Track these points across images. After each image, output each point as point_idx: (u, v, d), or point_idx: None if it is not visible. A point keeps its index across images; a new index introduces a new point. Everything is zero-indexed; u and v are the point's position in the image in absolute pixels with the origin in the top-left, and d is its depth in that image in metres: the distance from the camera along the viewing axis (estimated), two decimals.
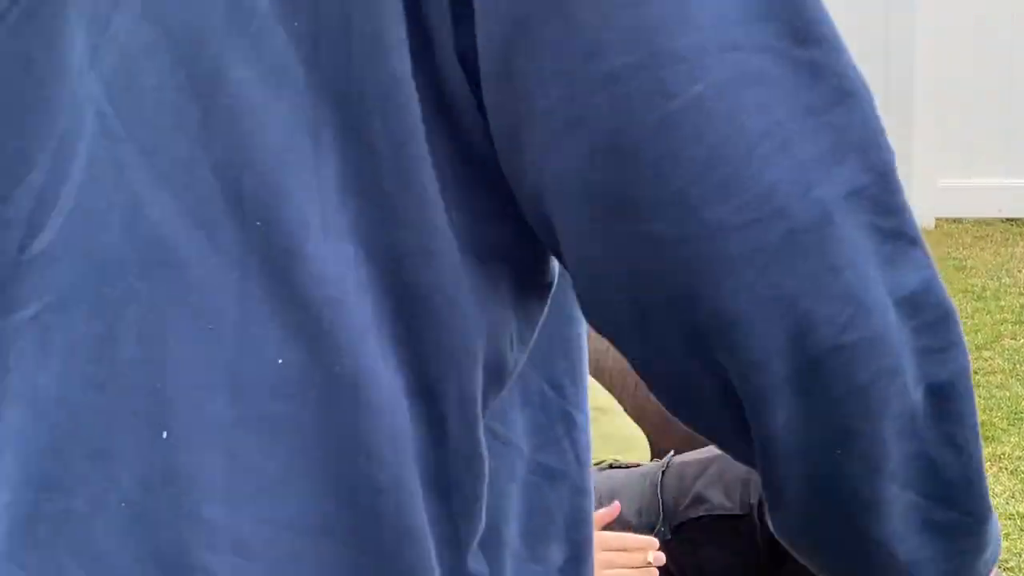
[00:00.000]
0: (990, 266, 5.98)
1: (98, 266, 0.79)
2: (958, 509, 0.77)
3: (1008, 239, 6.45)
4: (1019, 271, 5.64)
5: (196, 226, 0.77)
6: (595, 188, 0.72)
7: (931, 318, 0.70)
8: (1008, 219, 6.77)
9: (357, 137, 0.76)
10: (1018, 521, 3.31)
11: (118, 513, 0.76)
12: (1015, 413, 4.03)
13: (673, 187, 0.69)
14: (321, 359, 0.76)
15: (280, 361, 0.75)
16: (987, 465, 3.15)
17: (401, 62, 0.72)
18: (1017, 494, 3.44)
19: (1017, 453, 3.71)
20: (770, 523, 0.81)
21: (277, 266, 0.76)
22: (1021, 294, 5.23)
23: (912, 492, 0.76)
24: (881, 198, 0.70)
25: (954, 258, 5.97)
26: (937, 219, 6.91)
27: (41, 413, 0.80)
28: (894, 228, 0.70)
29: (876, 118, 0.71)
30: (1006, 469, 3.60)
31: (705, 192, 0.68)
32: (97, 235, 0.78)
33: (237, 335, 0.77)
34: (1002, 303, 4.94)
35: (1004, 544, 3.02)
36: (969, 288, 5.50)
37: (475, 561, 0.79)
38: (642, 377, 0.80)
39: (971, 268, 5.92)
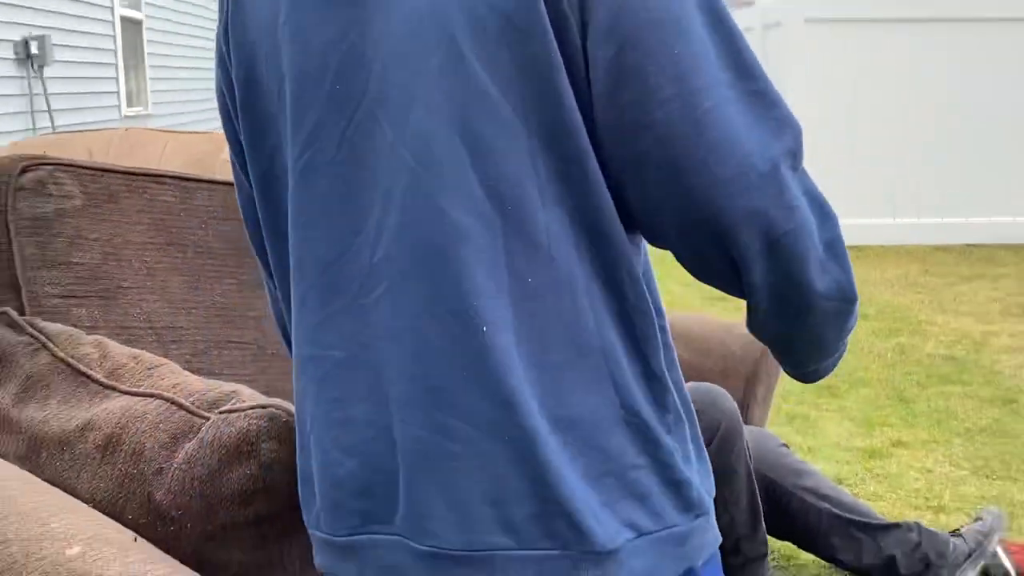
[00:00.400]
0: (910, 296, 6.04)
1: (417, 254, 1.10)
2: (849, 302, 1.15)
3: (954, 267, 6.53)
4: (942, 310, 5.65)
5: (474, 216, 1.07)
6: (656, 161, 1.04)
7: (817, 203, 1.10)
8: (849, 246, 6.59)
9: (556, 154, 1.07)
10: (856, 453, 3.40)
11: (464, 379, 1.08)
12: (852, 378, 4.21)
13: (698, 158, 1.03)
14: (549, 272, 1.09)
15: (529, 280, 1.09)
16: (834, 414, 3.30)
17: (576, 113, 1.05)
18: (856, 434, 3.56)
19: (856, 405, 3.85)
20: (749, 328, 1.24)
21: (523, 228, 1.07)
22: (945, 333, 5.23)
23: (834, 301, 1.14)
24: (798, 152, 1.07)
25: (914, 283, 6.00)
26: None
27: (398, 342, 1.11)
28: (800, 165, 1.08)
29: (791, 112, 1.09)
30: (847, 416, 3.71)
31: (715, 159, 1.03)
32: (413, 235, 1.10)
33: (505, 265, 1.09)
34: (928, 345, 4.93)
35: (846, 469, 3.16)
36: (908, 323, 5.62)
37: (655, 368, 1.13)
38: (680, 262, 1.18)
39: (888, 305, 6.06)
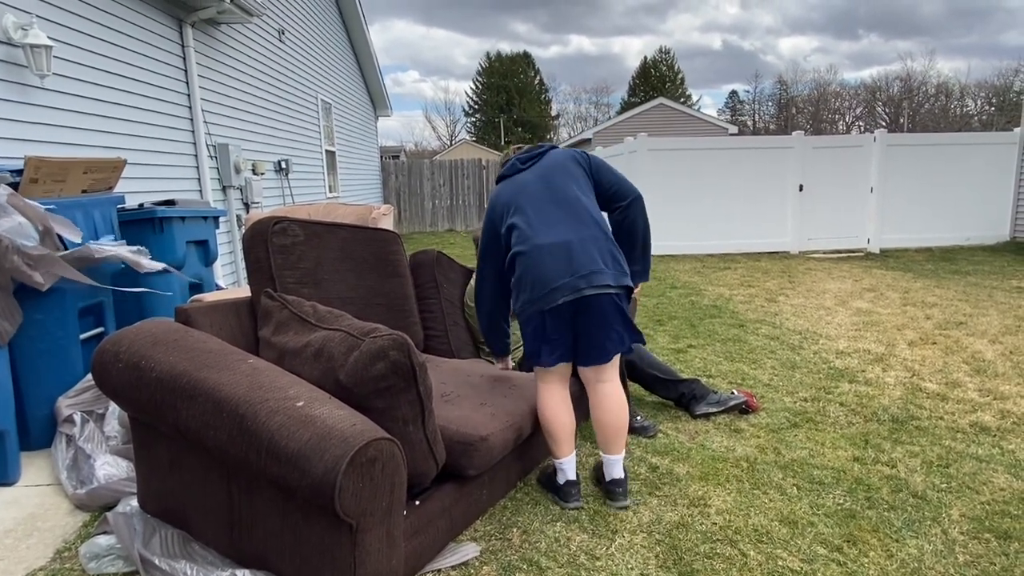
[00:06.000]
0: (696, 278, 5.83)
1: (561, 203, 1.65)
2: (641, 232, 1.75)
3: (716, 265, 6.34)
4: (711, 284, 5.43)
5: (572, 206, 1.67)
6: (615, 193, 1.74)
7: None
8: (671, 254, 6.49)
9: (587, 186, 1.69)
10: (671, 351, 3.24)
11: (595, 244, 1.63)
12: (668, 316, 4.00)
13: (627, 189, 1.75)
14: (587, 212, 1.64)
15: (593, 216, 1.64)
16: (661, 332, 3.16)
17: (587, 181, 1.71)
18: (671, 341, 3.39)
19: (671, 328, 3.68)
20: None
21: (581, 205, 1.66)
22: (712, 295, 5.08)
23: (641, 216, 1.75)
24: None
25: (698, 272, 5.81)
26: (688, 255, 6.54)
27: (562, 232, 1.64)
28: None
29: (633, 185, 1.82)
30: (667, 334, 3.56)
31: (628, 188, 1.74)
32: (551, 204, 1.65)
33: (584, 207, 1.66)
34: (704, 300, 4.73)
35: (667, 358, 3.11)
36: (695, 291, 5.33)
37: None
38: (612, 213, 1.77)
39: (686, 282, 5.69)
